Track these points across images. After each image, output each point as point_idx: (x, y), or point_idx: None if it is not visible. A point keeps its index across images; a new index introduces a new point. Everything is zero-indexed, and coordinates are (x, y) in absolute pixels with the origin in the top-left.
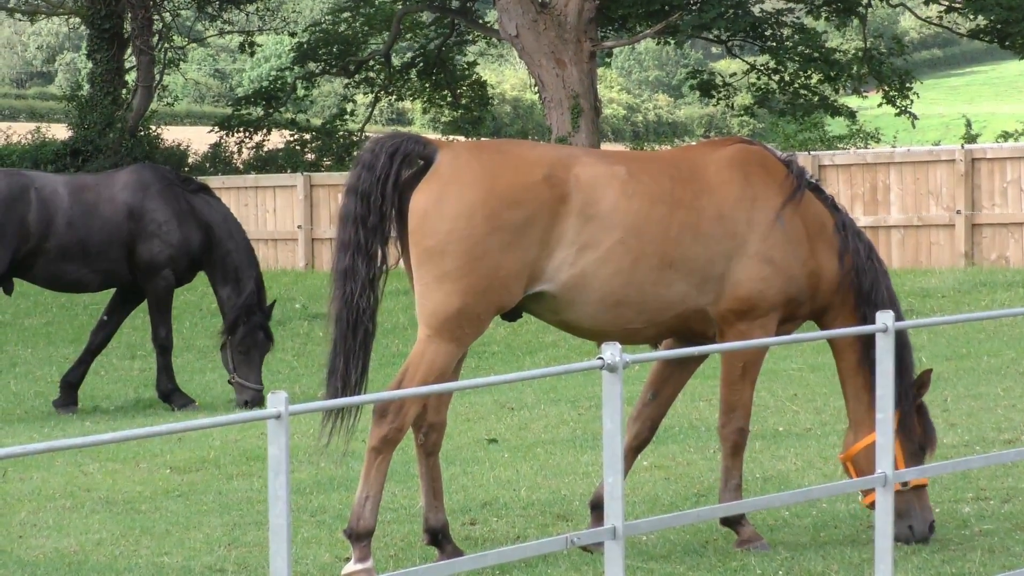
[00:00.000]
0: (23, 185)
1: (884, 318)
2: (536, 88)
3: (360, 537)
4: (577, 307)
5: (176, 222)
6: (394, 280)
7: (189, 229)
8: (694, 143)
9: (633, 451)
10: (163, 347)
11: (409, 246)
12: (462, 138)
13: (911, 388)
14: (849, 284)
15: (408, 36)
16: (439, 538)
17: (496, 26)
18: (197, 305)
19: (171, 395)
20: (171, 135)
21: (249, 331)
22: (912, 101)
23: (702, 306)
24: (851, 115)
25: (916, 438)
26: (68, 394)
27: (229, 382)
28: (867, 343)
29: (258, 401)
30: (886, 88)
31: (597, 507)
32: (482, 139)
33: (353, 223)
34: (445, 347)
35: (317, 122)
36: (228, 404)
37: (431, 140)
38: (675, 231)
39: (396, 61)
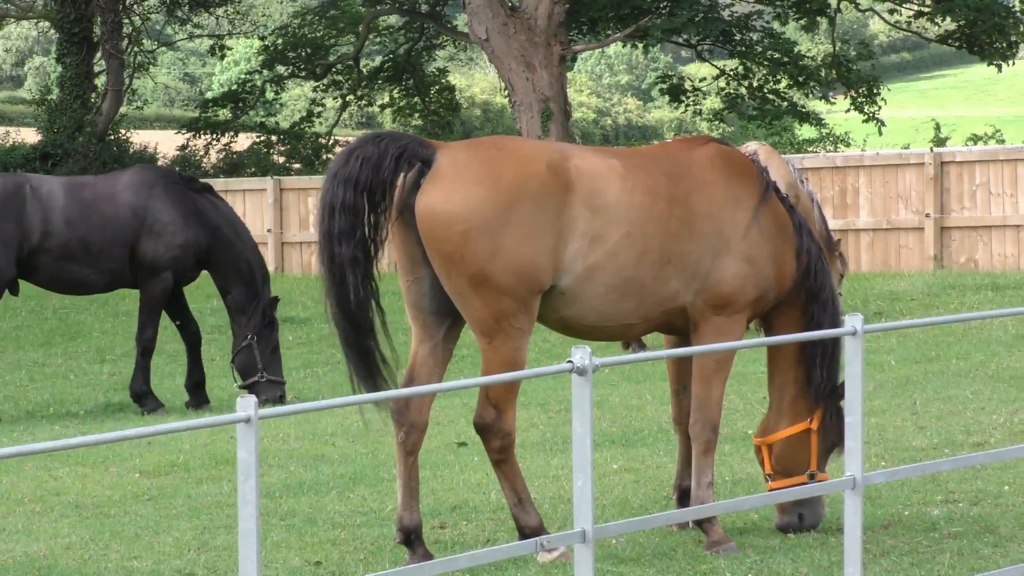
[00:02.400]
0: (18, 184)
1: (853, 321)
2: (506, 92)
3: (535, 532)
4: (583, 301)
5: (182, 222)
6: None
7: (195, 229)
8: (668, 140)
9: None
10: (146, 348)
11: (427, 254)
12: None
13: (838, 388)
14: (801, 282)
15: (377, 40)
16: (412, 538)
17: (466, 30)
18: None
19: (143, 397)
20: (140, 139)
21: (274, 328)
22: (880, 107)
23: (687, 303)
24: (819, 121)
25: (831, 436)
26: (198, 395)
27: (243, 386)
28: (809, 341)
29: (284, 395)
30: (854, 94)
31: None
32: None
33: (347, 213)
34: (511, 344)
35: (286, 125)
36: (198, 408)
37: (430, 142)
38: (674, 227)
39: (365, 65)
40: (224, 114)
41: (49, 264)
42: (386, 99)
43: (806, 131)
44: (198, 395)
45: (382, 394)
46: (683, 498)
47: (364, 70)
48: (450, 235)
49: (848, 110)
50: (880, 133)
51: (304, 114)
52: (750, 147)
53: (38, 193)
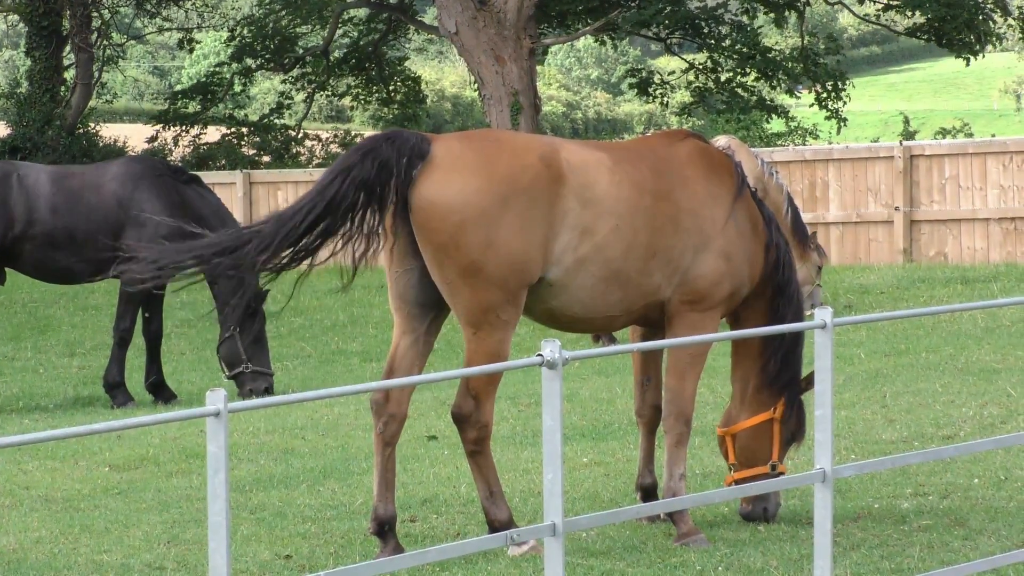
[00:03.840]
0: (5, 171)
1: (823, 315)
2: (476, 85)
3: (505, 525)
4: (570, 293)
5: (166, 214)
6: (332, 278)
7: (180, 221)
8: (649, 134)
9: (653, 434)
10: (123, 339)
11: (419, 244)
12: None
13: (800, 381)
14: (770, 276)
15: (350, 34)
16: (385, 530)
17: (435, 23)
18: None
19: (115, 389)
20: (110, 132)
21: (257, 319)
22: (844, 103)
23: (665, 298)
24: (786, 115)
25: (791, 428)
26: (161, 393)
27: (229, 376)
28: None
29: (272, 387)
30: (818, 89)
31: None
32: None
33: (347, 214)
34: (496, 336)
35: (255, 118)
36: (167, 402)
37: (428, 135)
38: (660, 222)
39: (334, 56)
40: (193, 106)
41: (34, 252)
42: (346, 87)
43: (775, 124)
44: (161, 393)
45: (364, 385)
46: (646, 497)
47: (333, 59)
48: (444, 225)
49: (811, 104)
50: (838, 131)
51: (273, 106)
52: (720, 141)
53: (25, 182)
